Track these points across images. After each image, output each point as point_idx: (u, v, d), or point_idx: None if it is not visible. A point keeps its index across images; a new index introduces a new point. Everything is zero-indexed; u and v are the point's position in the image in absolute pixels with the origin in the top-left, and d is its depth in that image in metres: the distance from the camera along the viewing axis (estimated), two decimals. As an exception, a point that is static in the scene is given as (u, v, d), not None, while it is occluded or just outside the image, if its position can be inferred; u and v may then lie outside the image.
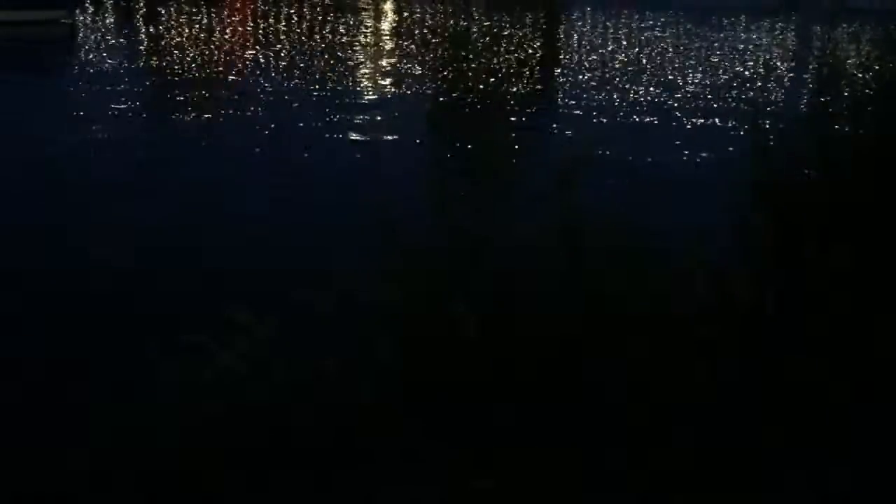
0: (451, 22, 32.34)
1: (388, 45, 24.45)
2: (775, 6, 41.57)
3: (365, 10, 37.24)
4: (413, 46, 24.11)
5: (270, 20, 31.24)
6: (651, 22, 34.80)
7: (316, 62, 20.03)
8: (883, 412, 3.81)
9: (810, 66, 21.26)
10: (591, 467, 3.43)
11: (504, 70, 19.35)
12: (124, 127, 12.11)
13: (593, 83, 17.96)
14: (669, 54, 24.17)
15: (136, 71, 17.55)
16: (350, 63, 20.02)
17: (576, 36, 29.52)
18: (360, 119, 13.35)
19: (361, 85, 16.83)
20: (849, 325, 3.97)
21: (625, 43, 27.31)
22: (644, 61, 22.25)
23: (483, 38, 26.41)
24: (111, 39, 23.14)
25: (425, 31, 28.76)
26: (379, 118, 13.55)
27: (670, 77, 19.35)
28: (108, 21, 28.38)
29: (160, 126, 12.29)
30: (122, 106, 13.64)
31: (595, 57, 22.91)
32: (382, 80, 17.63)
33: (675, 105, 15.54)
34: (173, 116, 13.00)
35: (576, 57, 22.96)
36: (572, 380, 3.63)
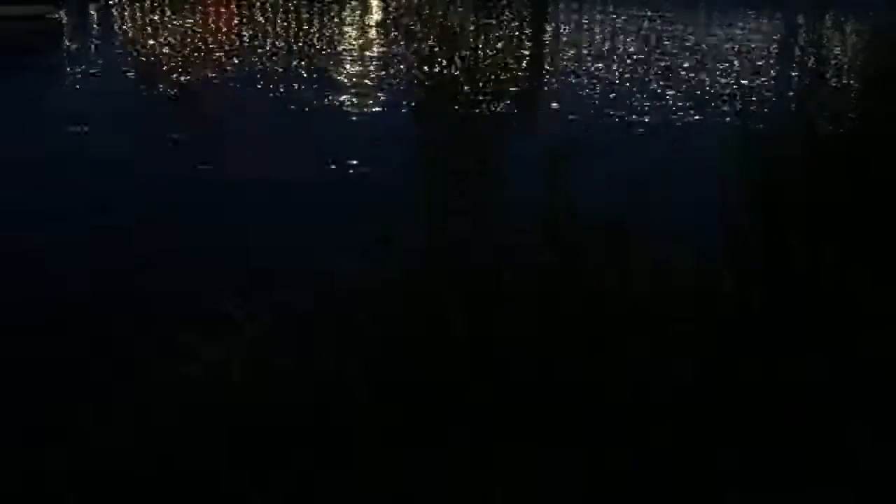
0: (441, 16, 32.25)
1: (375, 39, 24.36)
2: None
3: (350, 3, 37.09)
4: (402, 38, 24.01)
5: (254, 11, 31.11)
6: (629, 16, 34.76)
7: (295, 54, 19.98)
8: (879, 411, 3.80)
9: (799, 60, 21.30)
10: (590, 467, 3.41)
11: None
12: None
13: (585, 78, 17.89)
14: (657, 48, 24.15)
15: (131, 71, 17.32)
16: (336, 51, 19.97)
17: (559, 29, 29.50)
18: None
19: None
20: (840, 321, 3.96)
21: (607, 36, 27.30)
22: (619, 58, 22.24)
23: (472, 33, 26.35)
24: (101, 35, 22.96)
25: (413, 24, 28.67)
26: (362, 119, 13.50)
27: (663, 71, 19.36)
28: (95, 16, 28.16)
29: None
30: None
31: (580, 52, 22.86)
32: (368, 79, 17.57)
33: (658, 102, 15.54)
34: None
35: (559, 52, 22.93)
36: (564, 379, 3.61)
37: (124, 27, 25.01)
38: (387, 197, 5.88)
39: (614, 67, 19.58)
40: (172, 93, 14.54)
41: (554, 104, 14.61)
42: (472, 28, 24.49)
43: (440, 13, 31.98)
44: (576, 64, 20.11)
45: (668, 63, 20.54)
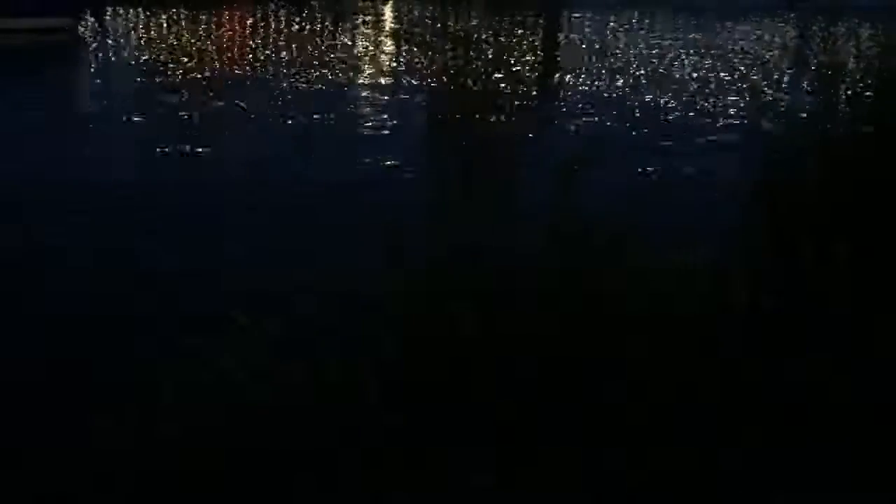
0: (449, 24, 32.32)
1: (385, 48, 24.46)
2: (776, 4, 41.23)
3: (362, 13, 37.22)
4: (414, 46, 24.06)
5: (269, 23, 31.32)
6: (639, 22, 34.71)
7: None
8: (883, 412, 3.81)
9: (811, 65, 21.19)
10: (590, 468, 3.44)
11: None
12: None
13: (607, 88, 17.72)
14: (668, 57, 24.15)
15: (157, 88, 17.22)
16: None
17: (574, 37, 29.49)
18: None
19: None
20: (848, 323, 3.96)
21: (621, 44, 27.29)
22: (638, 66, 22.23)
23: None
24: (121, 48, 23.12)
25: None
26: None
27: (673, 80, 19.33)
28: (116, 27, 28.39)
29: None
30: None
31: (602, 60, 22.83)
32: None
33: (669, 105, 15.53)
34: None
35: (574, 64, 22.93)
36: (571, 379, 3.64)
37: (138, 40, 25.21)
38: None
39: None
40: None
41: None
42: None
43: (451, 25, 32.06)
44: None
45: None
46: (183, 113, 13.50)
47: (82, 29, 26.68)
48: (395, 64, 20.77)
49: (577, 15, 37.33)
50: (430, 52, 22.55)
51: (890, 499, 3.25)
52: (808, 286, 4.25)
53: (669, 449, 3.43)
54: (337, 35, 27.87)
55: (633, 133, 12.74)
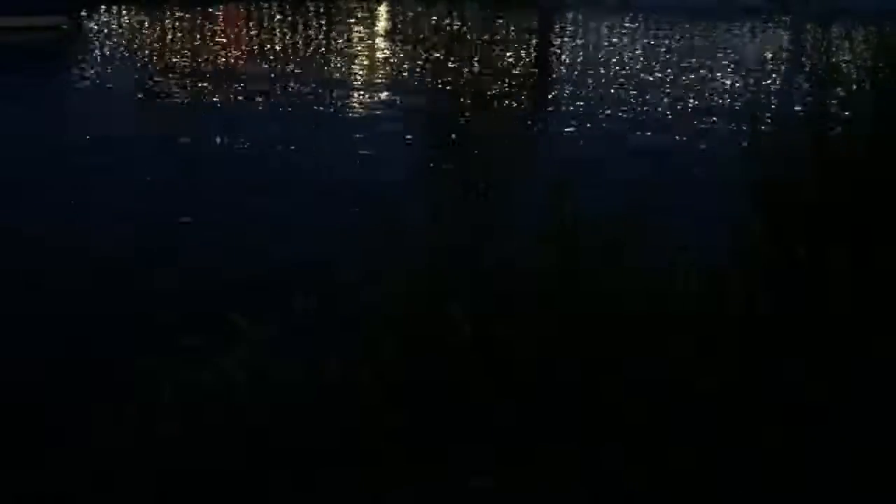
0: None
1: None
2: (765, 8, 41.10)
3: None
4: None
5: (264, 25, 31.30)
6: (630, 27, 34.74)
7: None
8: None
9: (807, 67, 21.15)
10: (589, 467, 3.43)
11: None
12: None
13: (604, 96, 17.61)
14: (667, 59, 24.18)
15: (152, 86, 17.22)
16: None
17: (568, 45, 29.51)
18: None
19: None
20: (846, 325, 3.96)
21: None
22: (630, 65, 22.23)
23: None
24: (116, 46, 23.09)
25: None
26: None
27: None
28: (108, 26, 28.35)
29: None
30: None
31: (594, 67, 22.84)
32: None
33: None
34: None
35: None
36: (570, 380, 3.64)
37: (129, 38, 25.20)
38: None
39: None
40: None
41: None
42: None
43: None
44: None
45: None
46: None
47: (77, 27, 26.66)
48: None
49: (571, 21, 37.29)
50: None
51: (890, 499, 3.24)
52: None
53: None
54: (330, 36, 27.84)
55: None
